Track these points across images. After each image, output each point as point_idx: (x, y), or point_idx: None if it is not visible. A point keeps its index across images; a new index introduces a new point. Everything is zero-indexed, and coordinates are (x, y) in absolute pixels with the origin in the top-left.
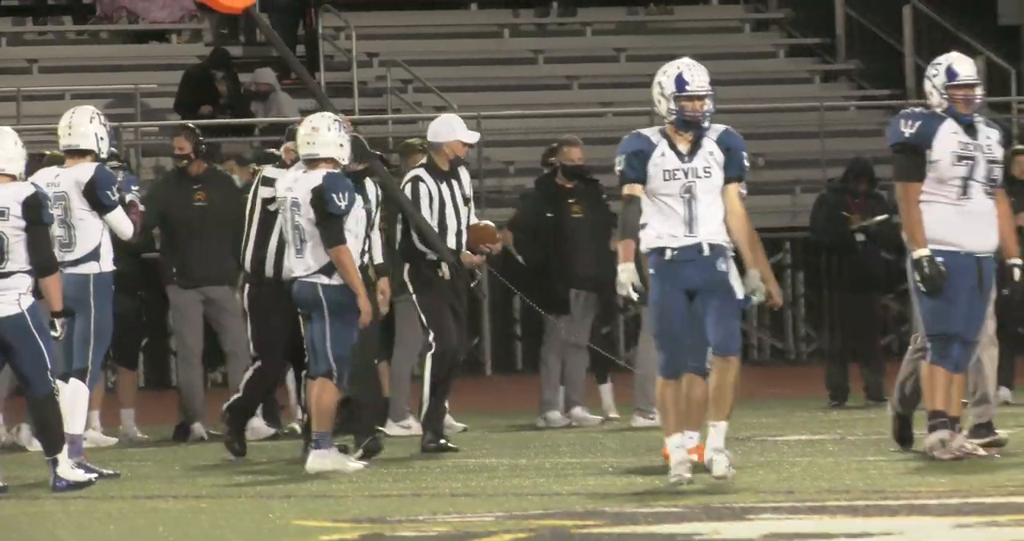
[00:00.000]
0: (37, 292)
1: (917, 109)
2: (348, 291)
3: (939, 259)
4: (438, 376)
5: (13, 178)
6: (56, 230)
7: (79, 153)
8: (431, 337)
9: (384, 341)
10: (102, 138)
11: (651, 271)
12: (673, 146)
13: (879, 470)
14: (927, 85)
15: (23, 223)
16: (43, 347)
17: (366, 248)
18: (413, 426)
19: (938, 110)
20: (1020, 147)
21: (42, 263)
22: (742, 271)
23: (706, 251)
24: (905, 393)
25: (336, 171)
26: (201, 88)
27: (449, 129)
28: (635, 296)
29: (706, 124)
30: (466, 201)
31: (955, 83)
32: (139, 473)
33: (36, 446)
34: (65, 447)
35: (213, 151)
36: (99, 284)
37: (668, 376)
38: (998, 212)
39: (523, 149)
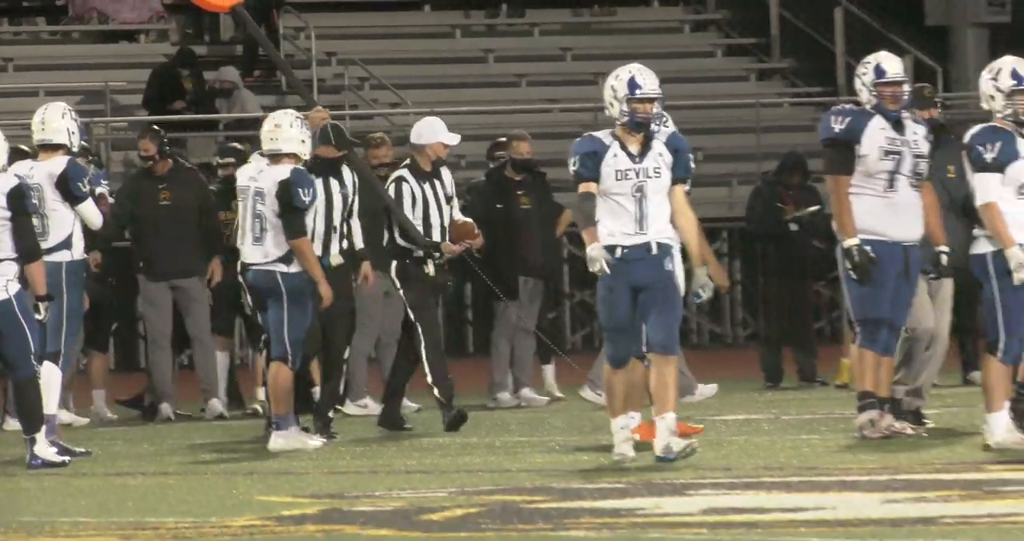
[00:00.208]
0: (21, 279)
1: (847, 106)
2: (305, 278)
3: (867, 247)
4: (434, 363)
5: None
6: None
7: (52, 147)
8: (420, 332)
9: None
10: (73, 133)
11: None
12: (624, 147)
13: (812, 448)
14: (857, 83)
15: (8, 213)
16: (28, 332)
17: (344, 233)
18: (369, 405)
19: (867, 107)
20: None
21: (28, 250)
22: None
23: (654, 250)
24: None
25: (302, 167)
26: (168, 85)
27: (432, 131)
28: (607, 270)
29: (655, 126)
30: (448, 199)
31: (883, 81)
32: (109, 451)
33: (11, 425)
34: (43, 428)
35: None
36: (71, 272)
37: (616, 366)
38: (924, 203)
39: (474, 144)
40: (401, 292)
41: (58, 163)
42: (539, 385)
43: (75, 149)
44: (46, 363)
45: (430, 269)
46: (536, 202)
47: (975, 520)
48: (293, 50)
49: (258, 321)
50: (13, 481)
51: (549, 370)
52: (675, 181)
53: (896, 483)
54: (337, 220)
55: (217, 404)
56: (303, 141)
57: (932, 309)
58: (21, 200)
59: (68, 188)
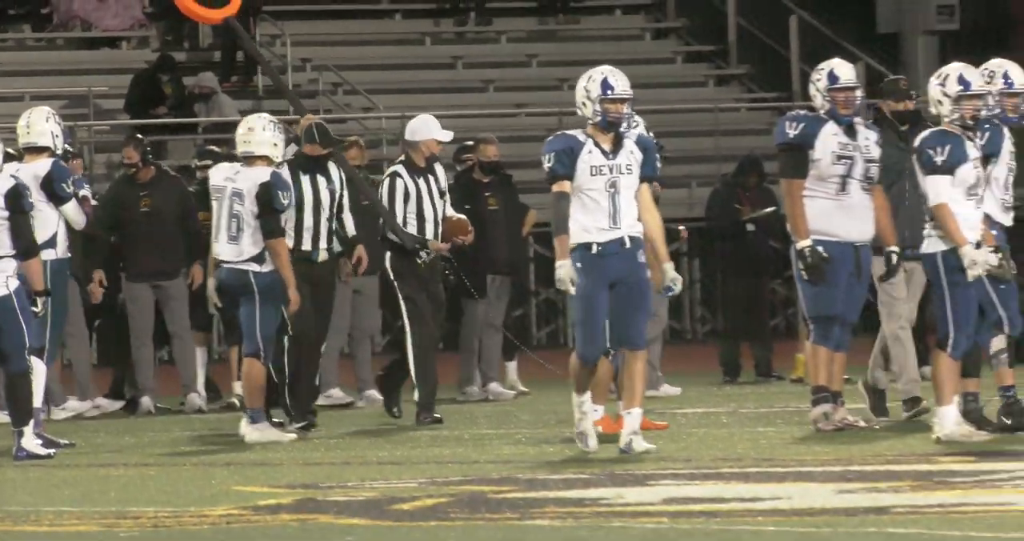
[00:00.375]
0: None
1: (801, 112)
2: (276, 277)
3: (820, 248)
4: (420, 359)
5: None
6: None
7: (37, 150)
8: (407, 325)
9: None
10: (57, 136)
11: (578, 265)
12: (598, 145)
13: (768, 440)
14: (811, 88)
15: (6, 213)
16: (24, 327)
17: (333, 230)
18: (334, 394)
19: (821, 112)
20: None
21: (26, 247)
22: None
23: (627, 243)
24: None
25: (280, 170)
26: (149, 90)
27: (425, 128)
28: (572, 290)
29: (626, 126)
30: (441, 195)
31: (836, 86)
32: (92, 443)
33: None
34: (31, 421)
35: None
36: (55, 270)
37: (587, 363)
38: (875, 205)
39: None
40: (395, 283)
41: (43, 165)
42: (503, 380)
43: (59, 151)
44: (32, 358)
45: (424, 259)
46: (503, 203)
47: (925, 510)
48: (269, 56)
49: (226, 318)
50: (0, 473)
51: (512, 366)
52: (642, 179)
53: (849, 474)
54: (325, 216)
55: (196, 398)
56: (275, 144)
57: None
58: (18, 199)
59: (53, 189)
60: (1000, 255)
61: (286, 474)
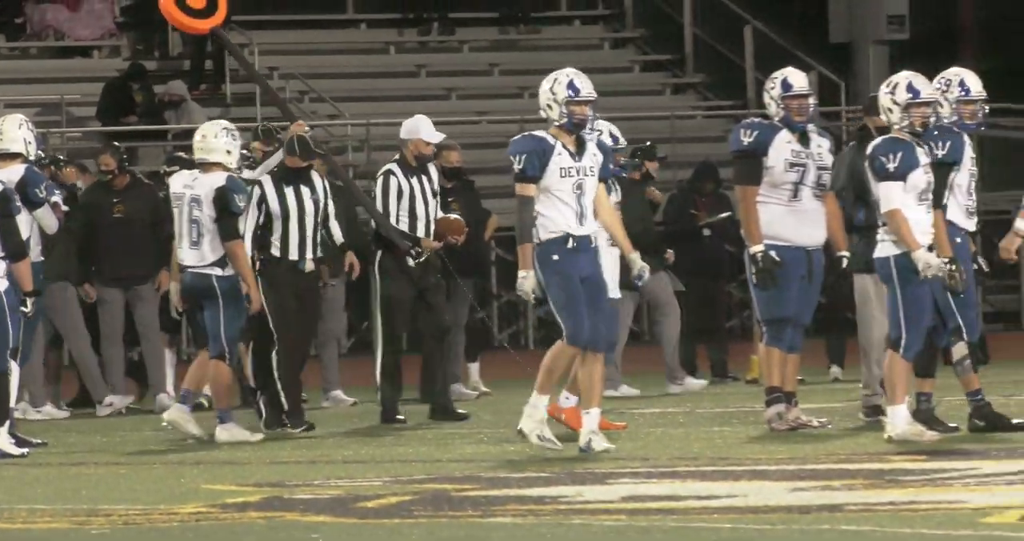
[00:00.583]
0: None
1: (756, 120)
2: (238, 280)
3: (772, 252)
4: (386, 362)
5: None
6: None
7: (10, 156)
8: (379, 329)
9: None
10: (30, 142)
11: (554, 258)
12: (565, 147)
13: (724, 440)
14: (766, 96)
15: None
16: (10, 328)
17: (319, 239)
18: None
19: (775, 119)
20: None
21: (14, 249)
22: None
23: (594, 242)
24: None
25: (235, 175)
26: (120, 98)
27: (414, 129)
28: (533, 301)
29: (588, 128)
30: (435, 195)
31: (790, 94)
32: (64, 442)
33: None
34: (7, 422)
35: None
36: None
37: (578, 344)
38: (827, 211)
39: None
40: (379, 284)
41: (16, 171)
42: (466, 381)
43: (32, 158)
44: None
45: (410, 261)
46: (465, 208)
47: (877, 507)
48: (237, 65)
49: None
50: None
51: (474, 368)
52: (599, 180)
53: (803, 472)
54: (310, 226)
55: (165, 398)
56: (228, 151)
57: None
58: (6, 204)
59: (26, 193)
60: (953, 267)
61: (254, 473)
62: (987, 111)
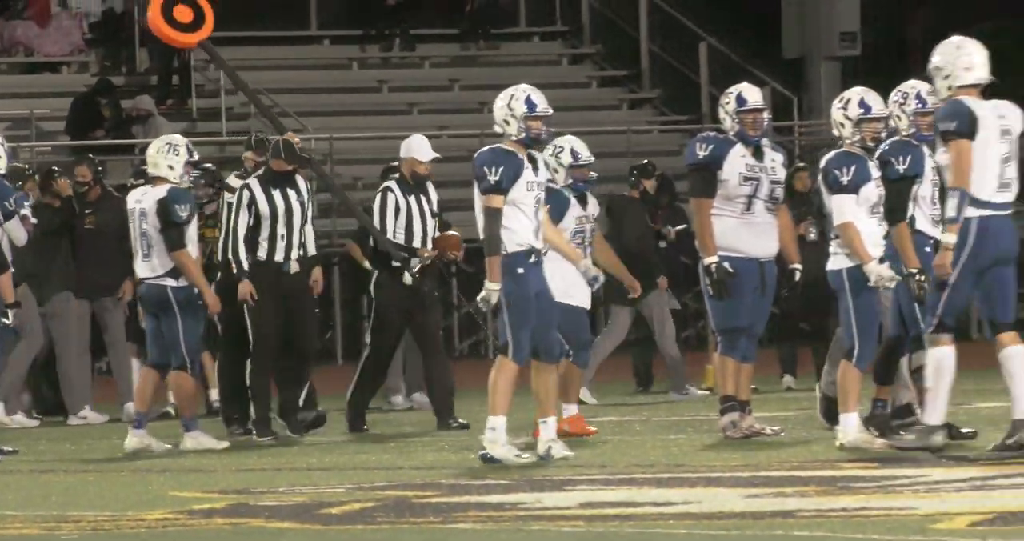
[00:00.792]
0: None
1: (711, 134)
2: (193, 290)
3: (726, 264)
4: (366, 372)
5: None
6: None
7: None
8: (369, 345)
9: (213, 334)
10: (0, 156)
11: (519, 271)
12: (525, 161)
13: (680, 447)
14: (721, 111)
15: None
16: None
17: (303, 241)
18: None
19: (730, 134)
20: (800, 165)
21: None
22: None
23: (543, 257)
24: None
25: (180, 186)
26: (88, 113)
27: (407, 148)
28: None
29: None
30: (433, 215)
31: (744, 109)
32: (35, 450)
33: None
34: None
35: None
36: None
37: (521, 363)
38: (779, 224)
39: (370, 166)
40: (374, 299)
41: None
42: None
43: (3, 171)
44: None
45: (407, 278)
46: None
47: (829, 513)
48: (203, 80)
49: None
50: None
51: None
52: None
53: (757, 479)
54: (297, 228)
55: (132, 407)
56: (171, 167)
57: None
58: None
59: None
60: (922, 277)
61: (220, 480)
62: None
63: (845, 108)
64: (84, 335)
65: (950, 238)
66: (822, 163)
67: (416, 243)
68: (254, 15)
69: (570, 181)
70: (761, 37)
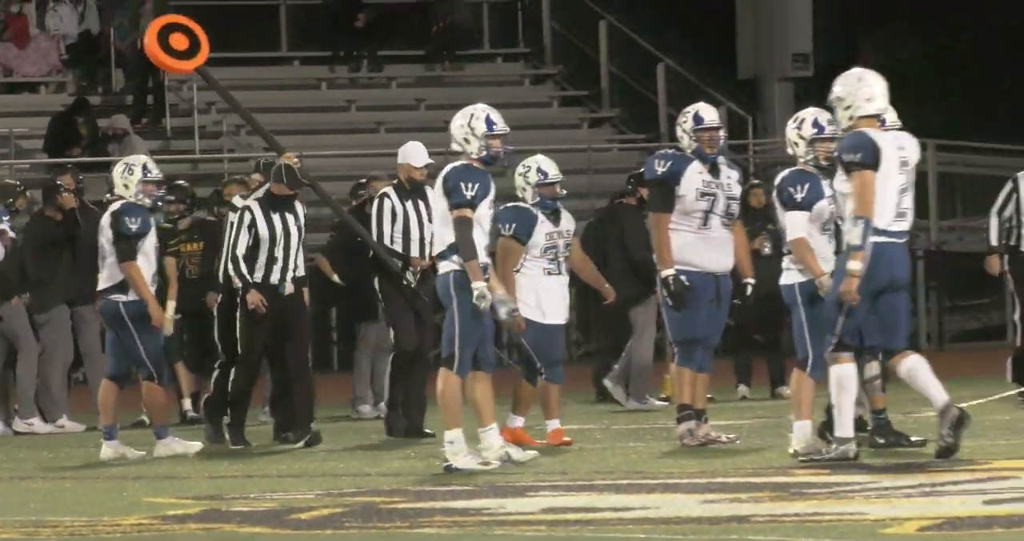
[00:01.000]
0: None
1: (669, 150)
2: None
3: (683, 277)
4: (398, 372)
5: None
6: None
7: None
8: (393, 339)
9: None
10: None
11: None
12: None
13: (639, 454)
14: (678, 130)
15: None
16: None
17: (296, 263)
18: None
19: (688, 151)
20: (755, 182)
21: None
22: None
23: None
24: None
25: (133, 201)
26: (65, 131)
27: (403, 155)
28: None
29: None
30: (431, 219)
31: (701, 127)
32: (14, 457)
33: None
34: None
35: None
36: None
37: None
38: (735, 239)
39: (339, 183)
40: (381, 303)
41: None
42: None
43: None
44: None
45: (410, 280)
46: None
47: (783, 518)
48: (177, 100)
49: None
50: None
51: None
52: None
53: (713, 485)
54: (293, 251)
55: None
56: (125, 186)
57: None
58: None
59: None
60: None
61: (193, 486)
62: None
63: (799, 127)
64: (70, 345)
65: (855, 265)
66: (776, 180)
67: (414, 247)
68: (226, 36)
69: (538, 199)
70: (716, 58)
